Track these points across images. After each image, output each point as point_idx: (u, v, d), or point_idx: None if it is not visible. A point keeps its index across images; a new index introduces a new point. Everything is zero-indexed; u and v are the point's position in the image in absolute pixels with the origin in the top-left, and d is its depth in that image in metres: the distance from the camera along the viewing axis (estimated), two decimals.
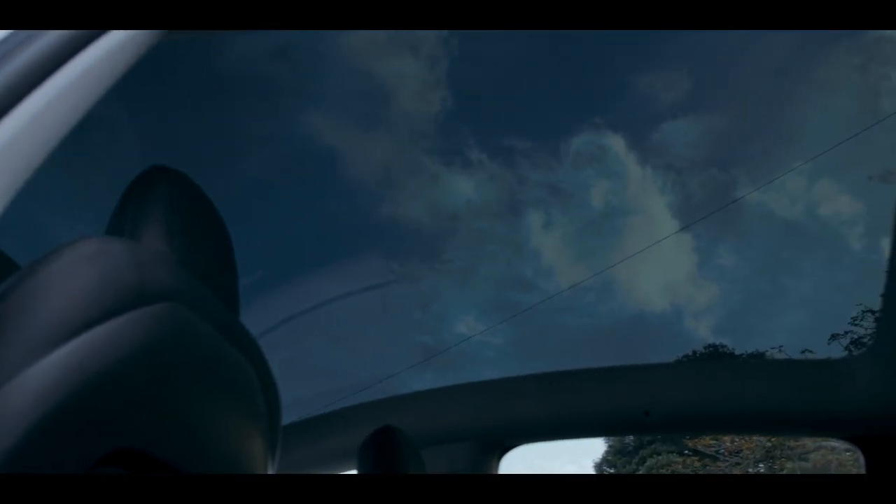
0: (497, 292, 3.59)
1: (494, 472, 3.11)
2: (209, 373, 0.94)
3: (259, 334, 1.09)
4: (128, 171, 1.14)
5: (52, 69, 0.87)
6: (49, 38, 0.89)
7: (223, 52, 2.55)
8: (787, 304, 3.56)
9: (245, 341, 1.05)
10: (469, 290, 3.54)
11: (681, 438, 22.14)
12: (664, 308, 3.76)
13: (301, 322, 3.35)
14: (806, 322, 3.52)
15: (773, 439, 20.27)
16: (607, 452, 26.74)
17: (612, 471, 25.82)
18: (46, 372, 0.68)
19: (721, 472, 21.23)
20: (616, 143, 3.08)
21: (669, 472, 22.52)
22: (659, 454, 23.83)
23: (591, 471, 26.98)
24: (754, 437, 20.55)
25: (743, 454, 22.03)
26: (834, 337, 3.19)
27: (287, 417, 1.18)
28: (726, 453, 22.37)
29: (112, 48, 0.97)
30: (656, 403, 2.91)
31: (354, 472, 2.46)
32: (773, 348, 3.38)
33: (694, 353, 3.81)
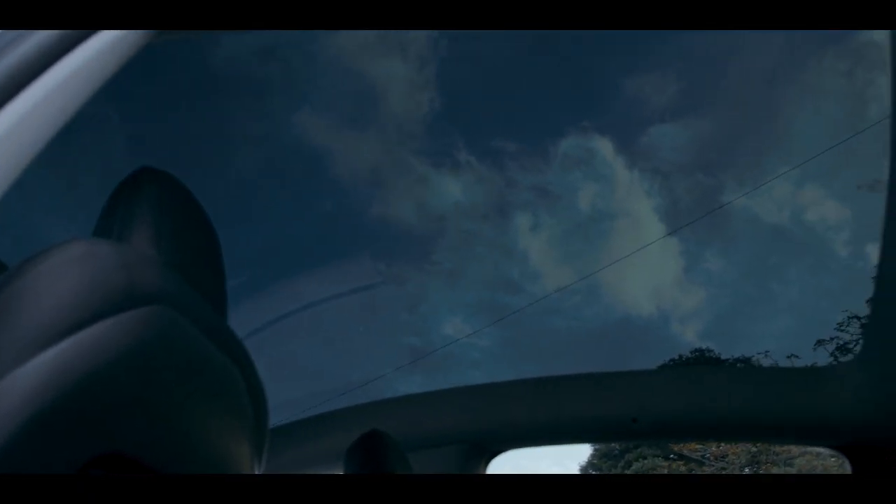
0: (484, 294, 3.59)
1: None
2: (196, 376, 0.93)
3: (246, 335, 1.09)
4: (117, 171, 1.14)
5: (40, 69, 0.87)
6: (38, 39, 0.88)
7: (212, 52, 2.54)
8: (774, 309, 3.57)
9: (232, 344, 1.04)
10: (456, 292, 3.54)
11: (667, 443, 22.16)
12: (651, 312, 3.77)
13: (288, 323, 3.34)
14: (792, 327, 3.53)
15: (758, 444, 20.31)
16: (593, 456, 26.78)
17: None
18: (33, 374, 0.68)
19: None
20: (604, 147, 3.09)
21: None
22: (645, 458, 23.85)
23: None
24: (740, 443, 20.59)
25: (729, 459, 22.08)
26: (820, 342, 3.20)
27: (274, 420, 1.18)
28: (712, 458, 22.42)
29: (101, 49, 0.97)
30: (644, 410, 2.91)
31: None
32: (759, 353, 3.39)
33: (680, 357, 3.82)
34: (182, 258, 1.06)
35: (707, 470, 22.20)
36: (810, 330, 3.31)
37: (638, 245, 3.26)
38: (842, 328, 3.12)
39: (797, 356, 3.15)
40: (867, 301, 2.36)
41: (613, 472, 24.73)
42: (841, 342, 3.18)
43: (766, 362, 3.33)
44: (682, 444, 22.15)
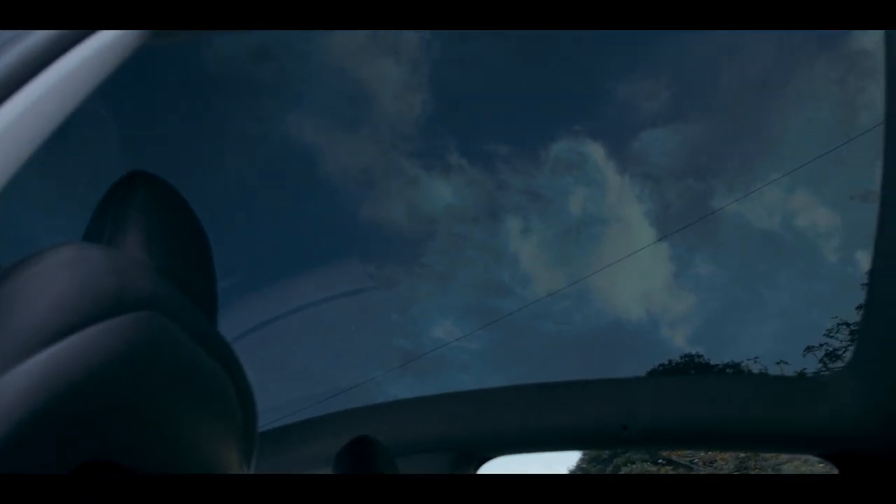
0: (475, 297, 3.59)
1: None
2: (185, 381, 0.93)
3: (237, 338, 1.09)
4: (110, 172, 1.13)
5: (35, 70, 0.86)
6: (33, 39, 0.88)
7: (205, 54, 2.54)
8: (763, 315, 3.58)
9: (221, 349, 1.04)
10: (447, 295, 3.54)
11: (656, 449, 22.20)
12: (641, 316, 3.77)
13: (278, 326, 3.33)
14: (781, 333, 3.54)
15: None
16: (581, 460, 26.79)
17: None
18: (22, 379, 0.67)
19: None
20: (595, 151, 3.09)
21: None
22: (633, 463, 23.90)
23: None
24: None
25: (717, 464, 22.11)
26: (809, 349, 3.21)
27: (263, 424, 1.18)
28: (700, 463, 22.46)
29: (96, 50, 0.96)
30: (634, 417, 2.91)
31: None
32: (748, 359, 3.40)
33: (670, 362, 3.82)
34: (173, 262, 1.05)
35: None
36: (800, 336, 3.32)
37: (629, 250, 3.26)
38: (831, 335, 3.13)
39: (786, 362, 3.16)
40: (857, 308, 2.36)
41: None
42: (830, 349, 3.19)
43: (755, 368, 3.34)
44: (670, 450, 22.20)
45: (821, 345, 3.22)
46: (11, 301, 0.72)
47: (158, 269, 1.01)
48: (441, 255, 3.33)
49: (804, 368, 3.05)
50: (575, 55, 2.75)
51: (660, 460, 23.54)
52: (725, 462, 22.02)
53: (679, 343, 3.81)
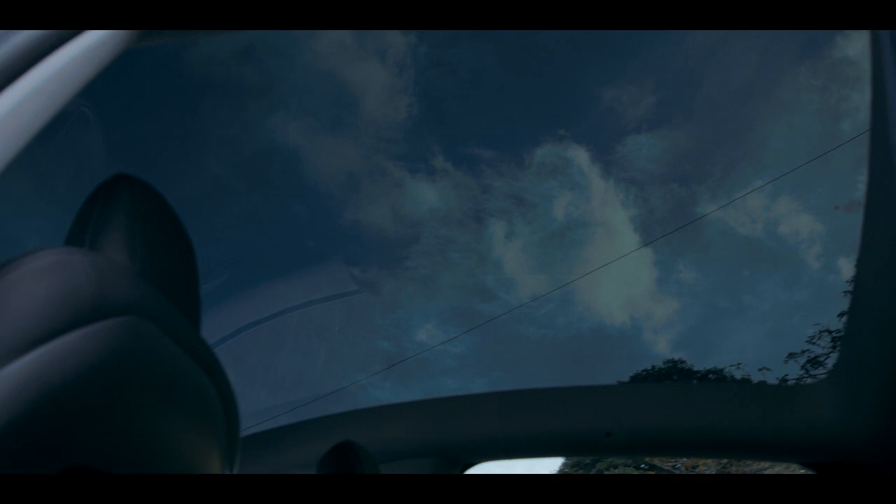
0: (459, 301, 3.59)
1: None
2: (167, 386, 0.92)
3: (219, 342, 1.08)
4: (93, 174, 1.13)
5: (19, 71, 0.86)
6: (18, 39, 0.87)
7: (191, 56, 2.53)
8: (746, 321, 3.59)
9: (204, 353, 1.03)
10: (431, 299, 3.53)
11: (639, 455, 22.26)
12: (624, 322, 3.78)
13: (261, 330, 3.32)
14: (764, 339, 3.55)
15: None
16: (564, 465, 26.85)
17: None
18: (2, 385, 0.67)
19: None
20: (580, 156, 3.10)
21: None
22: (616, 467, 23.96)
23: None
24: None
25: (699, 470, 22.20)
26: (791, 355, 3.22)
27: (246, 428, 1.17)
28: (683, 468, 22.54)
29: (81, 51, 0.95)
30: (618, 424, 2.91)
31: None
32: (731, 365, 3.41)
33: (653, 367, 3.83)
34: (156, 267, 1.04)
35: None
36: (782, 342, 3.33)
37: (612, 255, 3.26)
38: (813, 341, 3.14)
39: (768, 368, 3.17)
40: (839, 315, 2.37)
41: None
42: (812, 355, 3.21)
43: (738, 374, 3.35)
44: (653, 457, 22.27)
45: (803, 351, 3.24)
46: None
47: (141, 273, 1.00)
48: (425, 259, 3.33)
49: (786, 375, 3.06)
50: (560, 60, 2.76)
51: (642, 465, 23.63)
52: (708, 467, 22.10)
53: (662, 348, 3.82)
